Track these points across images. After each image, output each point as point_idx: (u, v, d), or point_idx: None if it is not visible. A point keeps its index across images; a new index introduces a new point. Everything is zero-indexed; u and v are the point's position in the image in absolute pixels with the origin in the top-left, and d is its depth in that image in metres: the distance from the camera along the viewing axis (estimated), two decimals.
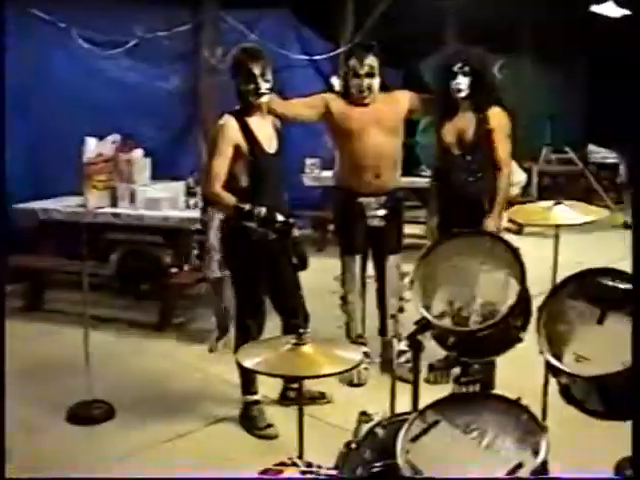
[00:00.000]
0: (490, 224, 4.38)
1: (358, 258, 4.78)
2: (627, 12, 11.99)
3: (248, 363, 2.54)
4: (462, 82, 4.40)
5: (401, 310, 4.83)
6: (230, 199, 3.91)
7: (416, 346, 2.68)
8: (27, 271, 6.50)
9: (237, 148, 3.97)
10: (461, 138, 4.47)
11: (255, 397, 4.26)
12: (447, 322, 2.62)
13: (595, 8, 11.76)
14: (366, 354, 4.45)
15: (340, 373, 2.40)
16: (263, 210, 3.84)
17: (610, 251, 7.14)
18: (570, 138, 12.56)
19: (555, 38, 13.05)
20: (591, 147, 12.65)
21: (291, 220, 3.90)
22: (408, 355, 4.56)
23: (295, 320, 4.18)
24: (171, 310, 6.06)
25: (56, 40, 7.31)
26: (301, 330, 2.49)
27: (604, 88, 14.15)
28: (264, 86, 3.98)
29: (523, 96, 12.03)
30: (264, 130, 4.11)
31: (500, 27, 11.75)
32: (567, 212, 3.13)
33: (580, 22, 12.74)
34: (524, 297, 2.60)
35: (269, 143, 4.12)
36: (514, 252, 2.65)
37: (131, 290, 6.34)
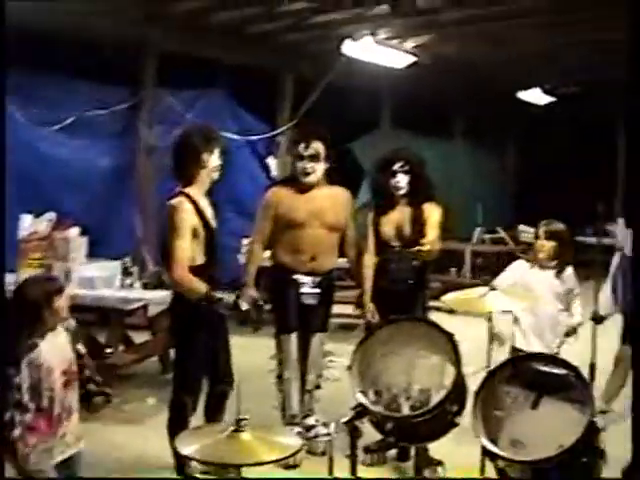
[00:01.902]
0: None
1: (293, 336, 4.81)
2: (552, 99, 12.53)
3: (186, 450, 2.52)
4: (402, 180, 4.63)
5: (318, 387, 4.92)
6: (201, 286, 4.00)
7: (353, 432, 2.69)
8: None
9: (193, 229, 4.09)
10: (400, 232, 4.65)
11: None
12: (382, 409, 2.64)
13: (522, 95, 12.24)
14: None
15: (280, 460, 2.39)
16: (232, 298, 4.04)
17: None
18: (501, 219, 12.91)
19: (486, 123, 13.52)
20: (521, 227, 12.96)
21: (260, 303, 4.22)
22: (317, 429, 4.69)
23: (222, 386, 4.30)
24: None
25: None
26: (240, 417, 2.47)
27: (532, 171, 14.68)
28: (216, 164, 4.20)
29: (455, 180, 12.39)
30: (207, 206, 4.25)
31: (433, 113, 12.15)
32: (500, 298, 3.21)
33: (509, 109, 13.24)
34: (460, 383, 2.65)
35: (213, 219, 4.26)
36: (449, 337, 2.70)
37: None
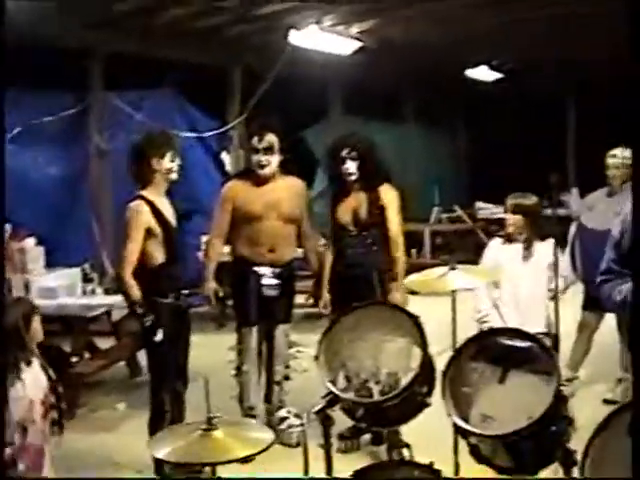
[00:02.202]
0: (396, 296, 4.53)
1: (254, 329, 4.83)
2: (499, 75, 12.62)
3: (159, 453, 2.50)
4: (351, 166, 4.64)
5: (287, 378, 4.96)
6: (135, 293, 4.19)
7: (326, 421, 2.70)
8: None
9: (149, 230, 4.21)
10: (356, 217, 4.66)
11: None
12: (353, 395, 2.66)
13: (469, 72, 12.31)
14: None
15: (254, 455, 2.38)
16: (150, 320, 4.19)
17: None
18: (458, 198, 13.00)
19: (436, 104, 13.59)
20: (478, 204, 13.09)
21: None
22: (290, 421, 4.72)
23: (178, 384, 4.47)
24: (73, 400, 5.86)
25: None
26: (211, 415, 2.47)
27: (485, 148, 14.80)
28: (176, 165, 4.33)
29: (410, 162, 12.45)
30: (167, 207, 4.36)
31: (383, 96, 12.18)
32: (461, 276, 3.23)
33: (457, 87, 13.32)
34: (427, 364, 2.67)
35: (172, 218, 4.37)
36: (414, 320, 2.72)
37: None
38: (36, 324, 3.38)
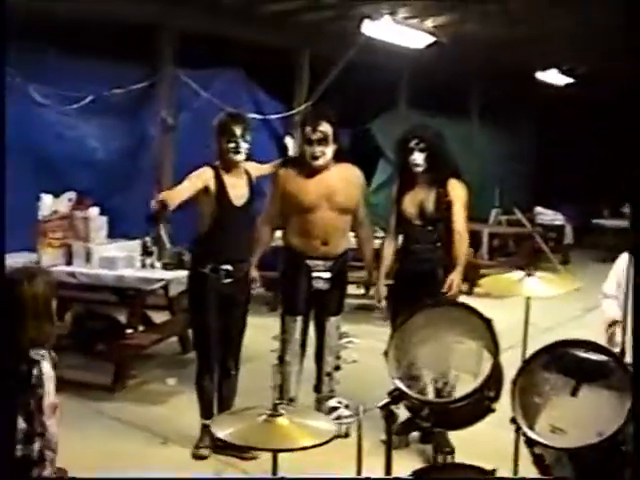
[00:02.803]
0: (457, 278, 4.51)
1: (299, 319, 4.80)
2: (570, 80, 12.43)
3: (220, 433, 2.51)
4: (418, 158, 4.59)
5: (337, 368, 4.91)
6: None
7: (389, 417, 2.68)
8: None
9: (206, 190, 4.42)
10: (422, 210, 4.60)
11: (208, 421, 4.52)
12: (421, 394, 2.63)
13: (540, 75, 12.14)
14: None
15: (316, 446, 2.37)
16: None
17: (560, 311, 7.29)
18: (518, 201, 12.85)
19: (503, 104, 13.42)
20: (538, 209, 12.95)
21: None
22: (339, 412, 4.69)
23: (226, 357, 4.67)
24: (125, 371, 5.94)
25: (10, 94, 7.21)
26: (277, 401, 2.46)
27: (550, 152, 14.60)
28: (244, 146, 4.46)
29: (472, 160, 12.32)
30: (237, 186, 4.53)
31: (450, 91, 12.07)
32: (538, 284, 3.18)
33: (526, 89, 13.14)
34: (497, 369, 2.63)
35: (239, 198, 4.51)
36: (488, 324, 2.68)
37: (85, 350, 6.21)
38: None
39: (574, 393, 2.48)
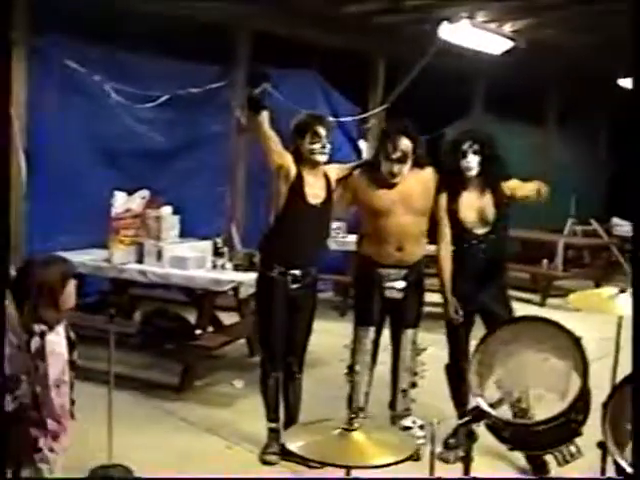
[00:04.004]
0: None
1: (372, 330, 4.66)
2: None
3: (292, 446, 2.42)
4: (472, 161, 4.43)
5: (414, 385, 4.73)
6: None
7: (469, 436, 2.55)
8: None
9: (285, 176, 4.40)
10: (482, 216, 4.45)
11: (274, 425, 4.63)
12: (503, 412, 2.51)
13: (622, 82, 11.79)
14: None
15: (391, 465, 2.27)
16: None
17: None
18: (594, 211, 12.52)
19: (581, 111, 13.10)
20: (615, 220, 12.58)
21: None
22: (413, 431, 4.53)
23: (290, 359, 4.62)
24: (193, 372, 5.92)
25: (88, 92, 7.30)
26: (352, 415, 2.37)
27: (628, 161, 14.16)
28: (328, 147, 4.44)
29: (548, 168, 12.05)
30: (315, 185, 4.47)
31: (527, 97, 11.82)
32: (631, 303, 3.01)
33: (606, 95, 12.79)
34: (585, 391, 2.49)
35: (315, 197, 4.46)
36: (577, 342, 2.54)
37: (153, 349, 6.21)
38: (71, 288, 3.27)
39: None
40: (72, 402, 3.29)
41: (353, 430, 2.38)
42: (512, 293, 9.35)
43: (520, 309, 8.57)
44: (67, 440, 3.19)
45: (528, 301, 9.57)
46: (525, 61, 10.06)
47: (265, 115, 4.26)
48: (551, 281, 9.75)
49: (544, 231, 11.37)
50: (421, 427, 4.52)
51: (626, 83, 11.70)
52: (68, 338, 3.24)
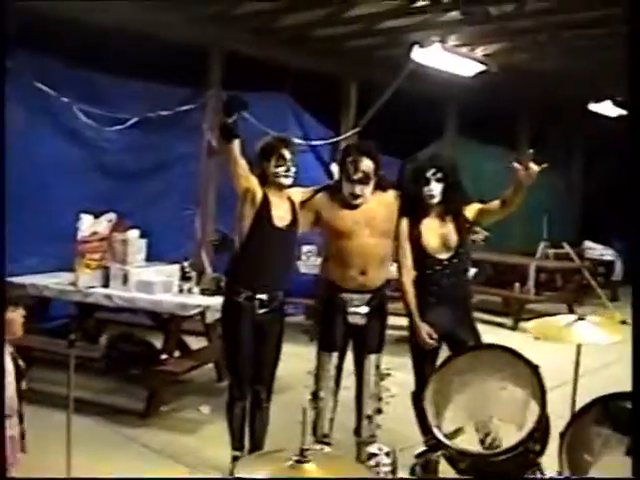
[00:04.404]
0: None
1: (335, 355, 4.58)
2: (623, 112, 12.14)
3: (245, 476, 2.35)
4: (435, 188, 4.41)
5: (379, 411, 4.63)
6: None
7: (425, 467, 2.50)
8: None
9: (252, 199, 4.32)
10: (445, 242, 4.42)
11: (238, 453, 4.52)
12: (460, 443, 2.45)
13: (593, 107, 11.88)
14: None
15: None
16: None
17: (609, 349, 7.01)
18: (567, 234, 12.57)
19: (553, 135, 13.19)
20: (587, 243, 12.63)
21: None
22: (379, 458, 4.45)
23: (258, 387, 4.53)
24: (159, 398, 5.81)
25: (56, 113, 7.24)
26: (304, 447, 2.31)
27: (599, 185, 14.29)
28: (292, 170, 4.38)
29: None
30: (280, 208, 4.41)
31: (500, 120, 11.89)
32: (590, 330, 2.97)
33: (577, 120, 12.90)
34: (544, 420, 2.44)
35: (281, 220, 4.39)
36: (534, 369, 2.50)
37: (118, 373, 6.11)
38: (15, 315, 3.23)
39: (629, 453, 2.27)
40: (22, 435, 3.19)
41: (305, 462, 2.33)
42: (484, 317, 9.60)
43: (492, 333, 8.65)
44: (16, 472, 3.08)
45: (500, 325, 9.57)
46: (498, 85, 10.13)
47: (237, 143, 4.20)
48: (523, 305, 9.74)
49: (516, 254, 11.41)
50: (387, 454, 4.43)
51: (597, 108, 11.79)
52: (16, 366, 3.15)
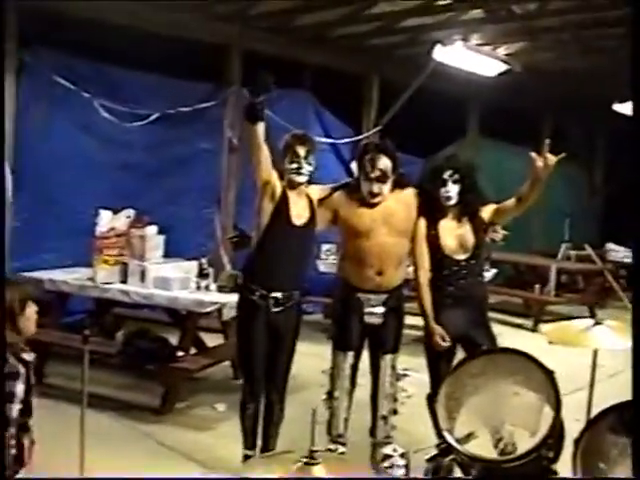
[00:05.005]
0: None
1: (350, 355, 4.54)
2: None
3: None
4: (452, 190, 4.37)
5: (395, 412, 4.58)
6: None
7: (436, 471, 2.46)
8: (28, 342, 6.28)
9: (272, 193, 4.27)
10: (462, 243, 4.39)
11: (250, 452, 4.45)
12: (471, 448, 2.41)
13: (617, 107, 11.76)
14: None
15: None
16: None
17: (628, 355, 6.92)
18: (588, 236, 12.44)
19: (576, 136, 13.06)
20: (610, 245, 12.50)
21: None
22: (393, 460, 4.40)
23: (270, 387, 4.48)
24: (174, 394, 5.80)
25: (77, 108, 7.25)
26: (313, 448, 2.27)
27: (622, 187, 14.13)
28: (306, 167, 4.29)
29: (542, 192, 11.98)
30: (298, 205, 4.36)
31: (522, 120, 11.80)
32: (606, 334, 2.91)
33: (601, 120, 12.77)
34: (558, 425, 2.39)
35: (298, 218, 4.34)
36: (549, 375, 2.45)
37: (134, 370, 6.11)
38: (30, 312, 3.23)
39: None
40: (32, 442, 3.20)
41: (314, 464, 2.29)
42: (504, 318, 9.51)
43: (512, 334, 8.58)
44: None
45: (520, 326, 9.49)
46: (520, 84, 10.05)
47: (261, 126, 4.15)
48: (543, 306, 9.66)
49: (538, 255, 11.31)
50: (402, 455, 4.40)
51: (621, 108, 11.66)
52: (27, 378, 3.16)
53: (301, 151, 4.29)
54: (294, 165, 4.29)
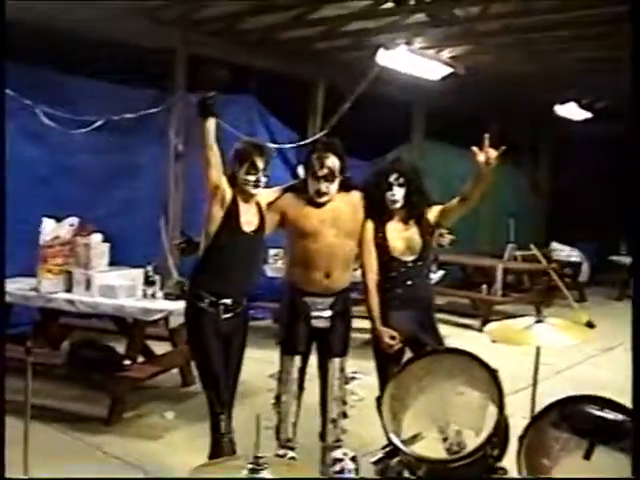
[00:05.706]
0: None
1: (297, 358, 4.53)
2: (588, 114, 12.25)
3: None
4: (397, 193, 4.39)
5: (344, 415, 4.58)
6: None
7: (382, 473, 2.47)
8: None
9: (221, 199, 4.15)
10: (409, 245, 4.41)
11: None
12: (417, 449, 2.42)
13: (558, 109, 11.97)
14: None
15: None
16: None
17: (575, 349, 7.04)
18: (534, 236, 12.63)
19: (519, 137, 13.25)
20: (554, 245, 12.71)
21: None
22: (344, 464, 4.42)
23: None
24: (122, 404, 5.73)
25: (19, 116, 7.11)
26: (258, 454, 2.26)
27: (566, 187, 14.41)
28: (263, 180, 4.21)
29: (487, 194, 12.12)
30: (248, 212, 4.27)
31: (467, 123, 11.92)
32: (549, 332, 2.95)
33: (544, 123, 12.99)
34: (502, 424, 2.41)
35: (248, 225, 4.26)
36: (492, 373, 2.47)
37: (80, 380, 6.02)
38: None
39: (587, 456, 2.25)
40: None
41: (260, 470, 2.28)
42: (452, 319, 9.60)
43: (460, 334, 8.66)
44: None
45: (468, 327, 9.58)
46: (464, 87, 10.17)
47: (212, 123, 4.07)
48: (491, 306, 9.78)
49: (484, 256, 11.44)
50: (352, 459, 4.40)
51: (562, 110, 11.89)
52: None
53: (260, 163, 4.18)
54: (252, 177, 4.19)
